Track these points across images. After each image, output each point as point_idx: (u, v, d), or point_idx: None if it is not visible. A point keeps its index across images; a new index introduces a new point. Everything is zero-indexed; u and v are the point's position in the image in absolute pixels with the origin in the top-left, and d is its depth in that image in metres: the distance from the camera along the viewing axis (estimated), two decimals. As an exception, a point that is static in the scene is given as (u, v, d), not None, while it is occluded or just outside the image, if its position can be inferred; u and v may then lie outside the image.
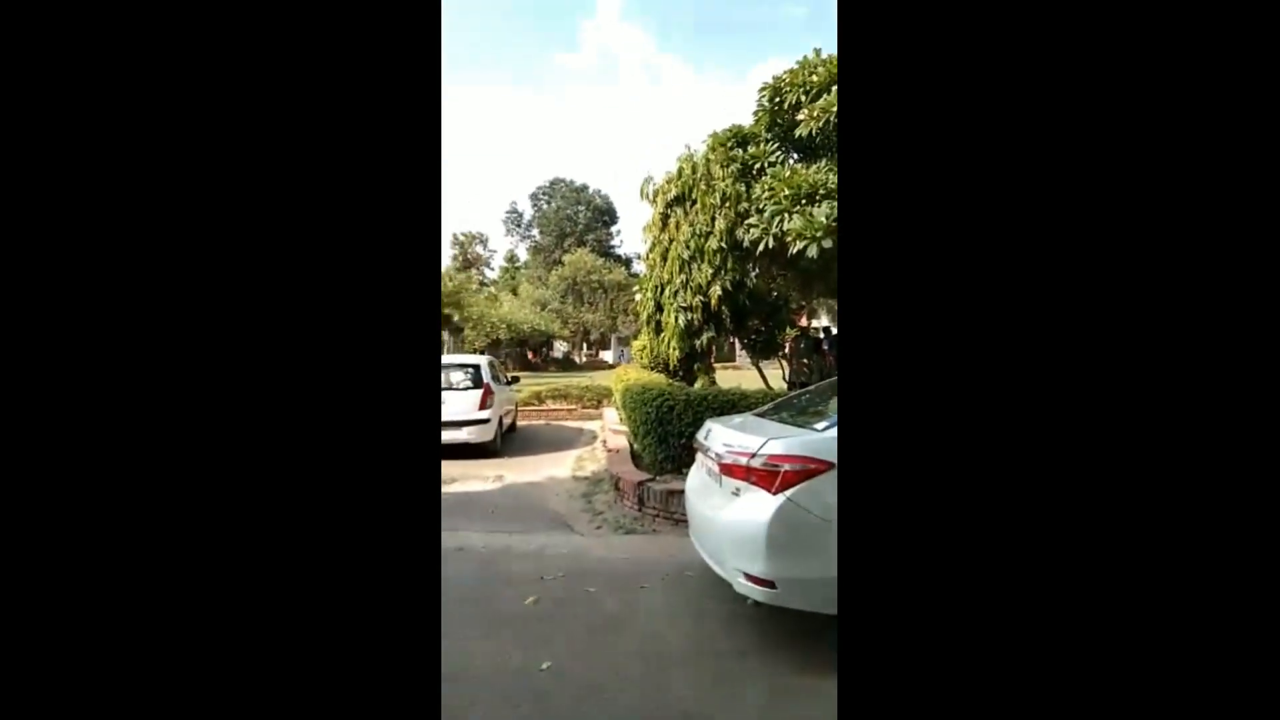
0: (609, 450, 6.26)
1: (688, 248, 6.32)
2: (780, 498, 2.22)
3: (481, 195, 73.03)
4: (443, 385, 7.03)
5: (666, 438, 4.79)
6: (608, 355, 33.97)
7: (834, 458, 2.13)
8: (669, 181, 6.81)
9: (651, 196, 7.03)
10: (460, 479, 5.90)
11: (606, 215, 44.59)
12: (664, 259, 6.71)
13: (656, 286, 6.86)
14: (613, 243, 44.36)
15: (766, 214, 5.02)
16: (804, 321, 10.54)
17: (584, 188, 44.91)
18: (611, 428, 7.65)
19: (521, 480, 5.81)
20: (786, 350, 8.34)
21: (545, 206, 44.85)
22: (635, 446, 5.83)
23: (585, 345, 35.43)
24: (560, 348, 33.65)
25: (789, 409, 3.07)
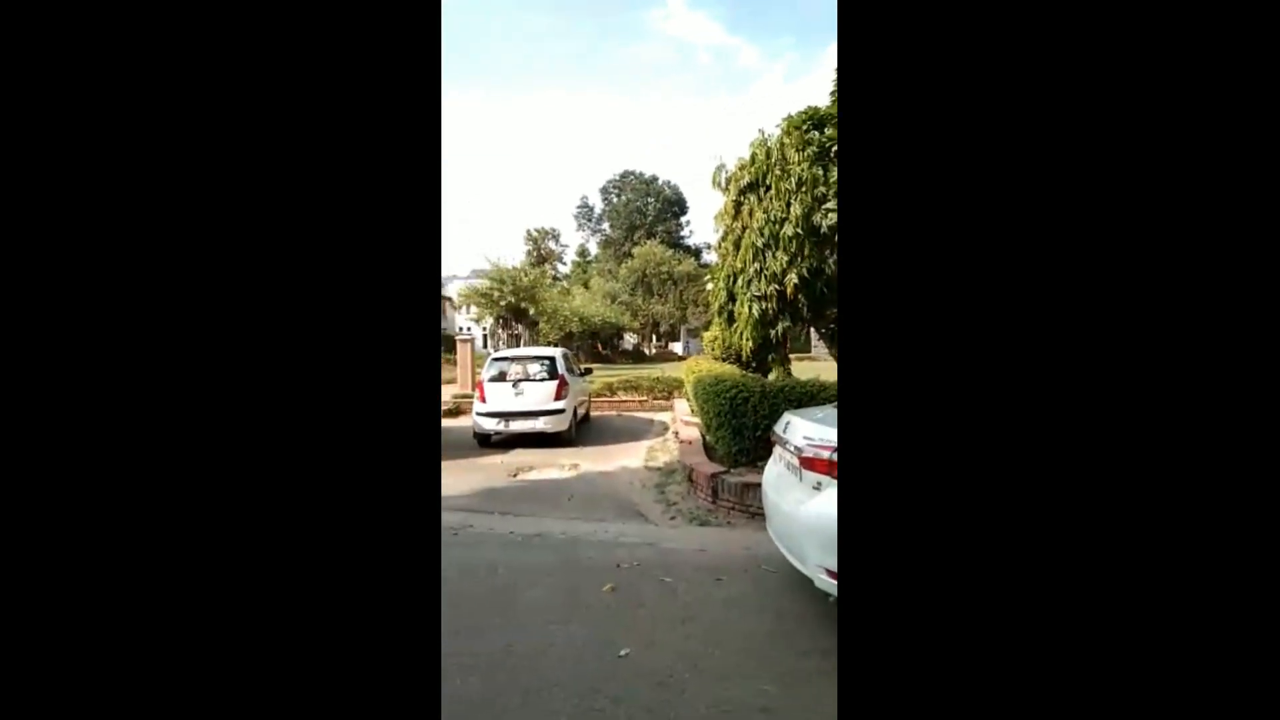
0: (681, 441, 6.25)
1: (762, 235, 6.16)
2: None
3: (554, 192, 74.78)
4: (520, 376, 7.29)
5: (741, 430, 4.71)
6: (677, 347, 33.93)
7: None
8: (741, 168, 6.65)
9: (724, 184, 6.90)
10: (538, 467, 6.09)
11: (676, 206, 44.43)
12: (736, 247, 6.58)
13: (729, 276, 6.74)
14: (682, 233, 44.19)
15: (846, 197, 4.78)
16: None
17: (654, 179, 44.96)
18: (683, 419, 7.63)
19: (595, 469, 5.92)
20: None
21: (615, 200, 45.29)
22: (708, 438, 5.78)
23: (654, 337, 35.56)
24: (629, 340, 33.98)
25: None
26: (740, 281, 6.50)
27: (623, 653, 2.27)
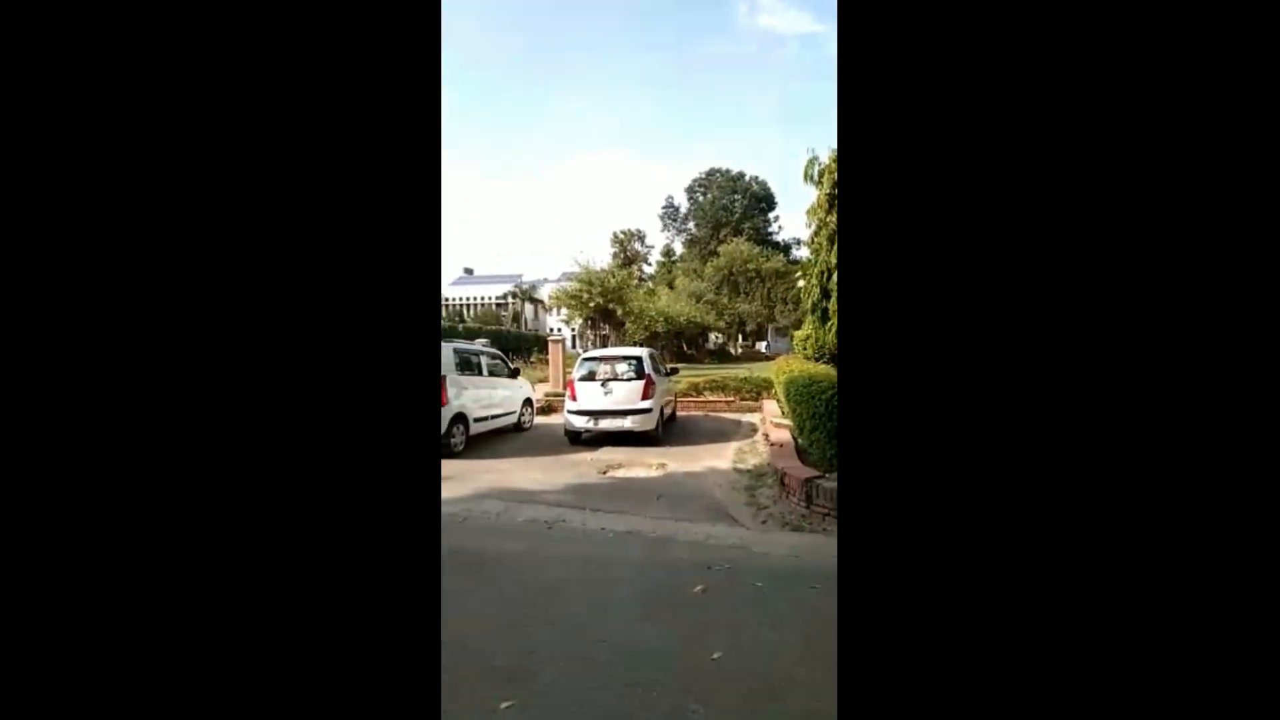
0: (771, 444, 6.10)
1: (858, 229, 5.86)
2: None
3: (641, 195, 75.64)
4: (609, 376, 7.44)
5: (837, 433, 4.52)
6: (764, 346, 33.14)
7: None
8: (836, 160, 6.37)
9: (816, 177, 6.66)
10: (626, 465, 6.19)
11: (764, 202, 43.43)
12: (831, 242, 6.32)
13: (822, 272, 6.50)
14: (770, 229, 43.11)
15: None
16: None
17: (740, 175, 44.22)
18: (773, 420, 7.44)
19: (683, 470, 5.92)
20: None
21: (701, 198, 45.03)
22: (801, 441, 5.59)
23: (740, 336, 34.96)
24: (714, 339, 33.62)
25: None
26: (835, 278, 6.23)
27: (715, 656, 2.26)
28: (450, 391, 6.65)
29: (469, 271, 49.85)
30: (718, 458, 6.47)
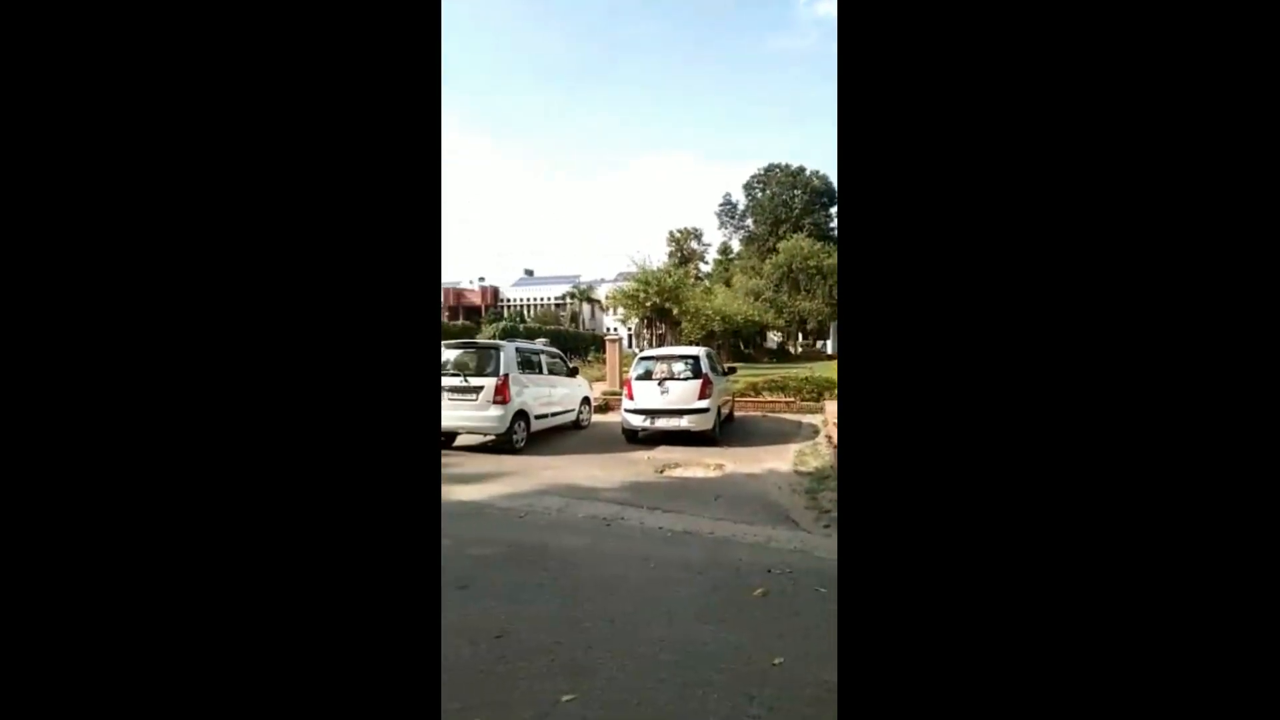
0: (834, 446, 5.91)
1: (927, 222, 5.57)
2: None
3: (699, 194, 75.16)
4: (666, 375, 7.44)
5: (903, 435, 4.31)
6: (826, 345, 32.16)
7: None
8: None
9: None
10: (683, 464, 6.17)
11: (825, 196, 42.10)
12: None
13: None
14: (832, 225, 41.72)
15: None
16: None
17: (800, 170, 43.09)
18: (835, 422, 7.21)
19: (741, 471, 5.83)
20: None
21: (760, 194, 44.21)
22: (864, 443, 5.38)
23: (801, 335, 34.09)
24: (773, 338, 32.95)
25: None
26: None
27: (776, 661, 2.21)
28: (512, 389, 6.85)
29: (529, 273, 51.17)
30: (778, 459, 6.33)
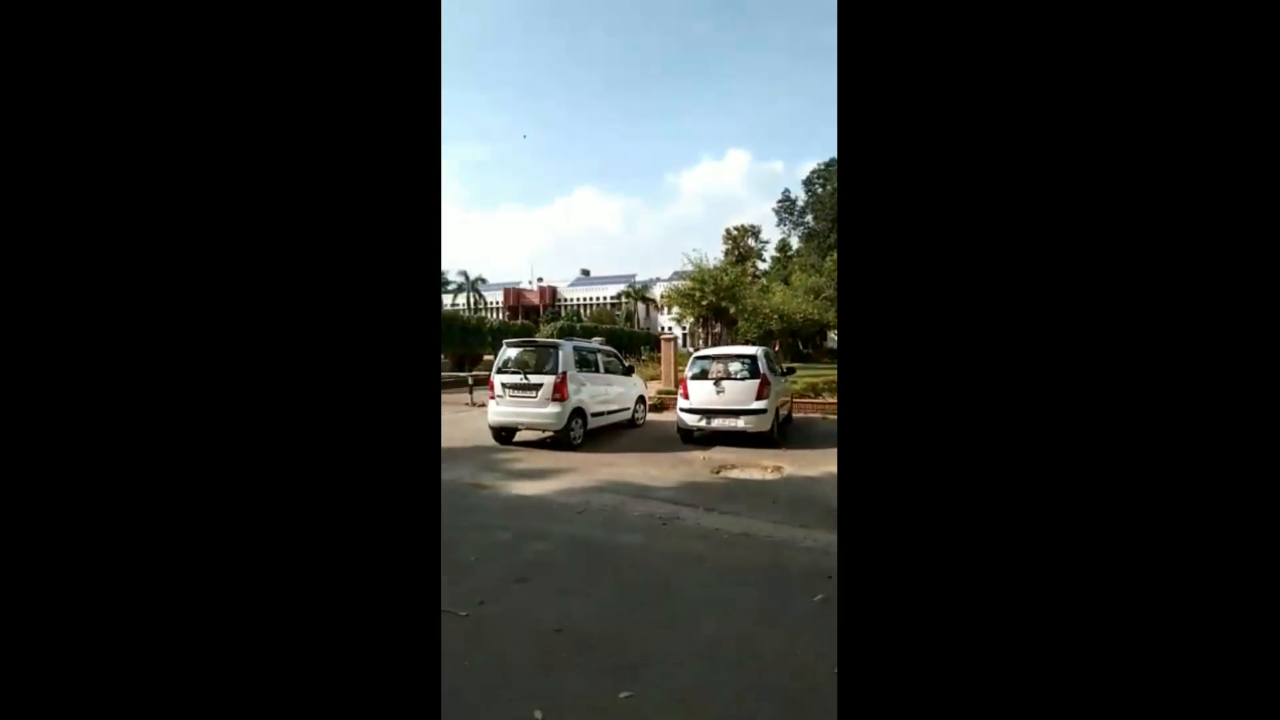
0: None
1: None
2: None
3: (755, 191, 73.92)
4: (722, 375, 7.36)
5: (976, 441, 4.08)
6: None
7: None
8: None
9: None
10: (740, 466, 6.09)
11: (889, 190, 40.33)
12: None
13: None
14: (896, 220, 39.92)
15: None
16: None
17: (862, 164, 41.46)
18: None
19: (800, 474, 5.70)
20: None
21: (820, 190, 42.97)
22: (932, 448, 5.13)
23: (863, 334, 32.79)
24: (834, 338, 31.94)
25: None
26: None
27: (835, 670, 2.14)
28: (570, 387, 6.98)
29: (585, 273, 51.98)
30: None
